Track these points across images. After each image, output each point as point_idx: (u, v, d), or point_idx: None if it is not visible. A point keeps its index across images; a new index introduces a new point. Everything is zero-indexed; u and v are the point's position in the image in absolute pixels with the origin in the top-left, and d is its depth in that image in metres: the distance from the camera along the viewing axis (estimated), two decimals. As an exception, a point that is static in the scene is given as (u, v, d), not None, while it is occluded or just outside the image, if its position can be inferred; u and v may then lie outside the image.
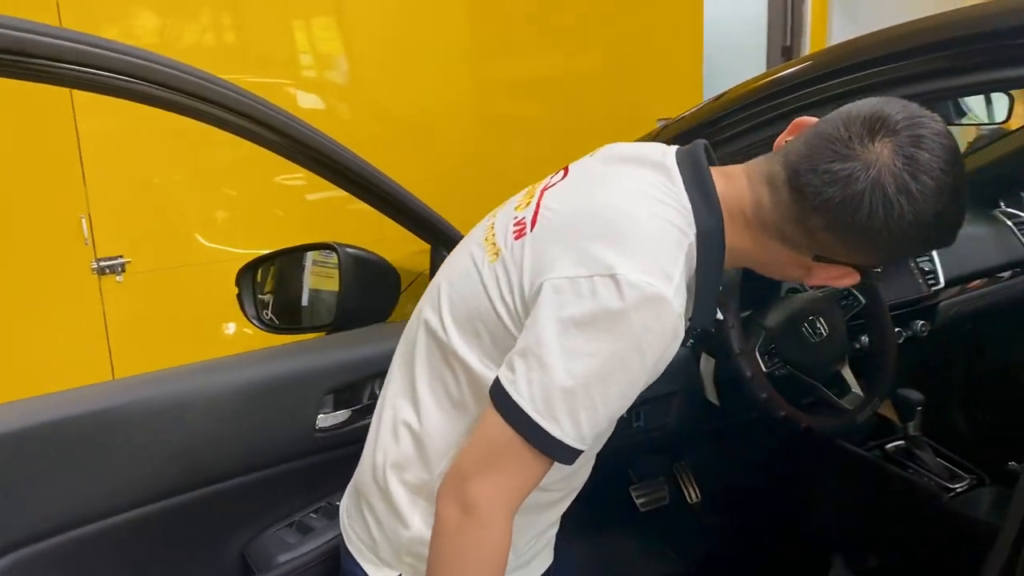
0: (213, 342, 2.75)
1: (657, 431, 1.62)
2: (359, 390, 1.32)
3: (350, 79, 2.94)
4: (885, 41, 1.11)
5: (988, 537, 0.95)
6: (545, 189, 1.00)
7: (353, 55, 2.91)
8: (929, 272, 1.92)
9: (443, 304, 1.01)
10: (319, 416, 1.28)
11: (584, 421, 0.85)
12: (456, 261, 1.06)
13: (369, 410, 1.33)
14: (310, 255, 1.64)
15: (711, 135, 1.30)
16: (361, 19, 2.89)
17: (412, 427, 1.00)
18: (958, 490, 1.67)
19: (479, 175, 3.10)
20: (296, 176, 2.76)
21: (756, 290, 1.76)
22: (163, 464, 1.16)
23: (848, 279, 0.93)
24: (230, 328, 2.73)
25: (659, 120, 3.54)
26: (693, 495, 2.11)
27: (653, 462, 2.11)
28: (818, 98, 1.18)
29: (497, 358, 0.92)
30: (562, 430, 0.84)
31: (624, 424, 1.57)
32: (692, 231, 0.89)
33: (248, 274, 1.51)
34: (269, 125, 1.15)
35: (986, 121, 1.57)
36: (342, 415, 1.30)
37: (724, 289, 1.49)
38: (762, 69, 4.30)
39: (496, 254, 0.96)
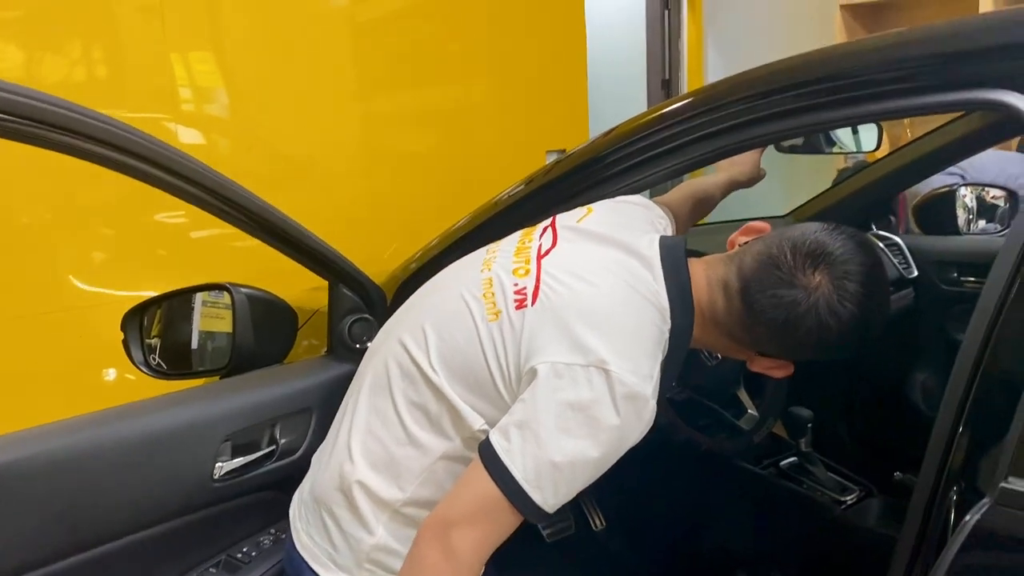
0: (92, 392, 2.59)
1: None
2: (258, 435, 1.27)
3: (234, 115, 2.86)
4: (759, 79, 1.16)
5: (879, 546, 1.00)
6: (541, 257, 1.08)
7: (238, 91, 2.83)
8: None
9: (431, 344, 1.07)
10: (217, 464, 1.22)
11: (562, 492, 0.96)
12: (443, 302, 1.11)
13: (270, 455, 1.28)
14: (199, 296, 1.57)
15: (601, 170, 1.33)
16: (246, 54, 2.82)
17: (386, 446, 1.07)
18: (849, 502, 1.74)
19: (368, 210, 3.06)
20: (179, 213, 2.65)
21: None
22: (46, 525, 1.08)
23: (783, 371, 1.11)
24: (110, 375, 2.58)
25: (548, 152, 3.61)
26: (597, 522, 2.12)
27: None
28: (701, 133, 1.22)
29: (481, 404, 1.03)
30: (543, 498, 0.95)
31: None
32: (667, 327, 1.04)
33: (135, 318, 1.44)
34: (150, 160, 1.10)
35: (855, 150, 1.66)
36: (240, 462, 1.24)
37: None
38: (642, 101, 4.45)
39: (496, 315, 1.04)
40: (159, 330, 1.62)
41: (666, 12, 4.35)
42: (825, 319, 0.99)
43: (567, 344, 0.97)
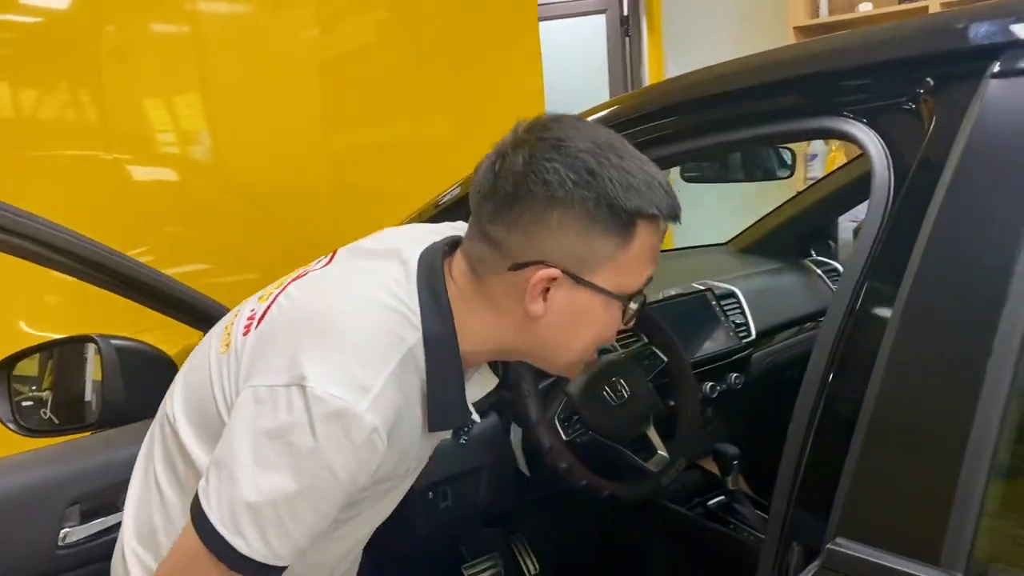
0: None
1: (468, 509, 1.55)
2: (112, 497, 1.20)
3: (201, 151, 2.83)
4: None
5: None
6: (297, 277, 0.97)
7: (206, 127, 2.80)
8: (741, 325, 1.94)
9: (176, 393, 1.00)
10: (63, 531, 1.15)
11: (273, 539, 0.81)
12: (198, 349, 1.04)
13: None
14: (91, 346, 1.52)
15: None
16: (213, 91, 2.79)
17: (149, 514, 0.99)
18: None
19: (336, 244, 3.02)
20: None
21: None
22: None
23: (609, 312, 0.89)
24: None
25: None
26: (531, 568, 2.05)
27: (487, 536, 2.04)
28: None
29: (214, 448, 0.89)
30: (249, 546, 0.80)
31: (430, 506, 1.50)
32: (415, 334, 0.88)
33: (1, 372, 1.38)
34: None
35: (767, 178, 1.61)
36: (88, 529, 1.17)
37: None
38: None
39: (227, 346, 0.94)
40: (49, 382, 1.56)
41: (627, 39, 4.33)
42: (540, 159, 0.83)
43: (276, 363, 0.84)
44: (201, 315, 1.35)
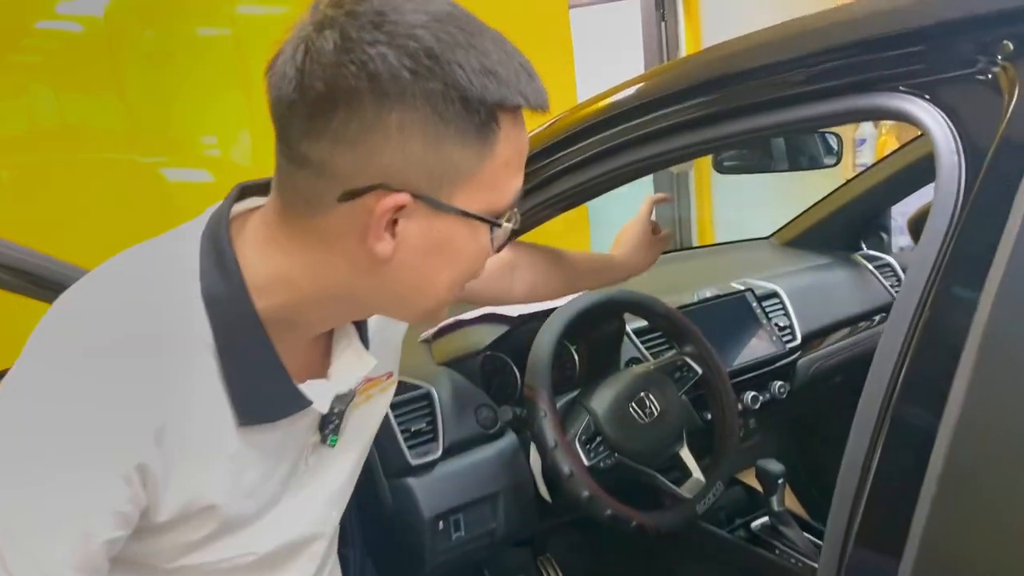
0: None
1: (484, 539, 1.42)
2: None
3: (240, 151, 2.76)
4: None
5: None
6: None
7: (247, 126, 2.73)
8: (785, 328, 1.78)
9: None
10: None
11: None
12: None
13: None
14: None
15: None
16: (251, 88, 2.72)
17: None
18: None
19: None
20: None
21: (597, 365, 1.60)
22: None
23: (477, 239, 0.69)
24: None
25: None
26: (562, 591, 1.91)
27: (513, 557, 1.90)
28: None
29: None
30: None
31: (440, 537, 1.37)
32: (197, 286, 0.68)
33: None
34: None
35: (810, 167, 1.45)
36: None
37: (533, 374, 1.32)
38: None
39: None
40: None
41: (662, 25, 4.15)
42: (355, 36, 0.60)
43: None
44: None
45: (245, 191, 0.74)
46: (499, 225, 0.69)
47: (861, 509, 0.70)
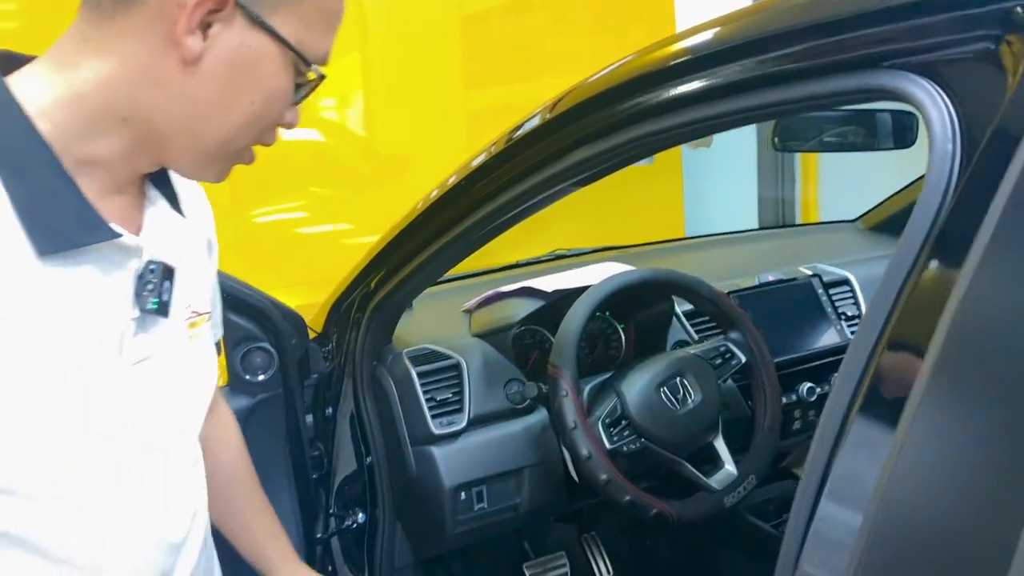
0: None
1: (507, 513, 1.41)
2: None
3: (346, 114, 2.84)
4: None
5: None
6: None
7: (354, 89, 2.80)
8: (853, 317, 1.67)
9: None
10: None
11: None
12: None
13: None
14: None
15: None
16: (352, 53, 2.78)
17: None
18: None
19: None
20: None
21: (643, 346, 1.55)
22: None
23: (282, 76, 0.67)
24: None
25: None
26: (604, 570, 1.88)
27: (556, 534, 1.89)
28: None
29: None
30: None
31: (461, 508, 1.37)
32: None
33: None
34: None
35: (878, 147, 1.33)
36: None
37: (557, 353, 1.28)
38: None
39: None
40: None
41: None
42: None
43: None
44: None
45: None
46: (307, 65, 0.68)
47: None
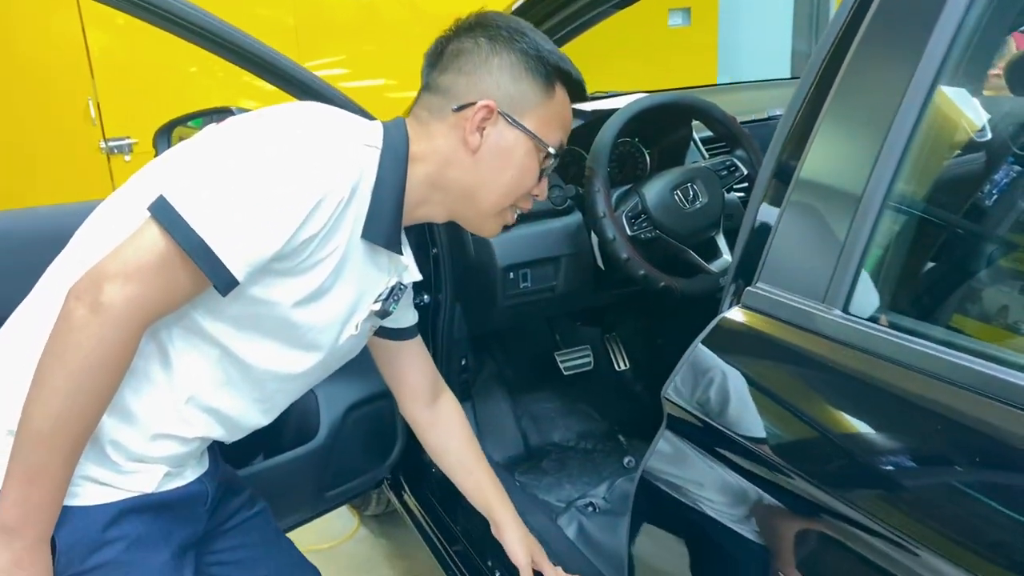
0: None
1: (546, 292, 1.74)
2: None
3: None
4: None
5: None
6: None
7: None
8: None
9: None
10: None
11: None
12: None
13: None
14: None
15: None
16: None
17: None
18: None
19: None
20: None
21: (665, 165, 1.83)
22: None
23: (530, 159, 1.07)
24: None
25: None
26: (622, 363, 2.23)
27: (582, 331, 2.23)
28: None
29: None
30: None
31: (510, 284, 1.71)
32: (377, 143, 1.04)
33: (163, 137, 1.65)
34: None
35: None
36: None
37: (593, 157, 1.58)
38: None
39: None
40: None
41: None
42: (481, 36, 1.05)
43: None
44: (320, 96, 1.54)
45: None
46: (547, 151, 1.08)
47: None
